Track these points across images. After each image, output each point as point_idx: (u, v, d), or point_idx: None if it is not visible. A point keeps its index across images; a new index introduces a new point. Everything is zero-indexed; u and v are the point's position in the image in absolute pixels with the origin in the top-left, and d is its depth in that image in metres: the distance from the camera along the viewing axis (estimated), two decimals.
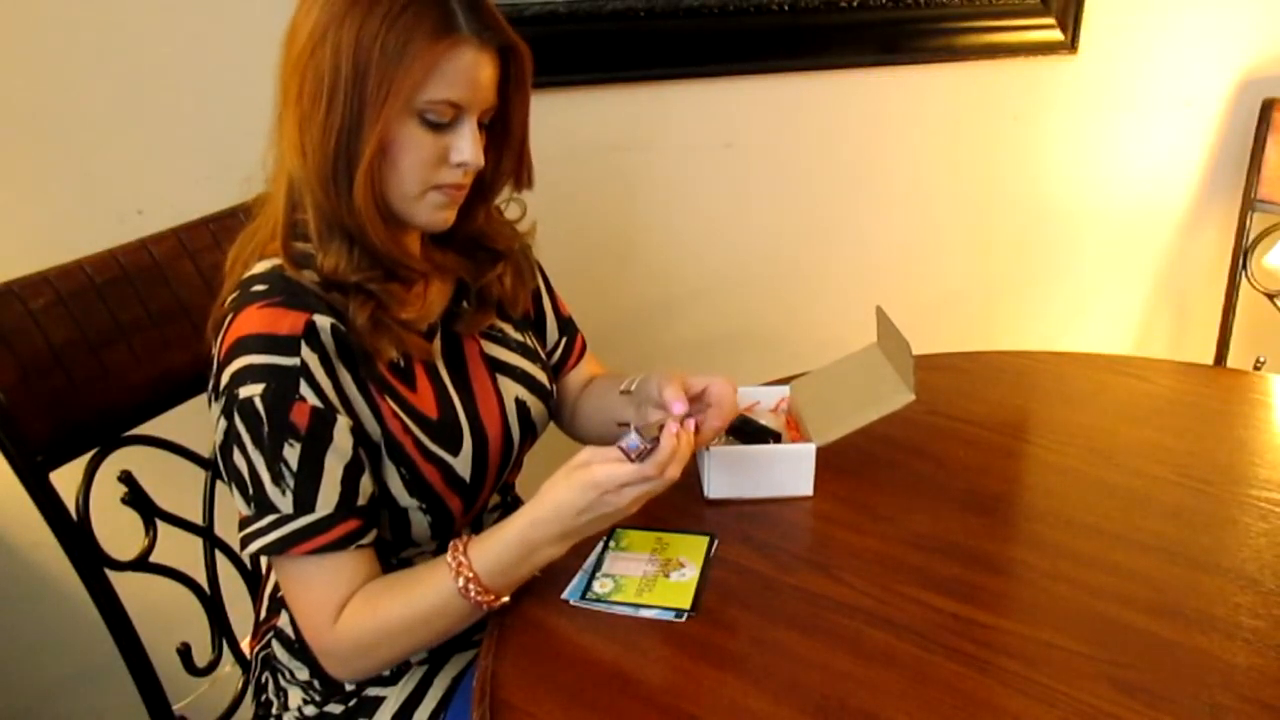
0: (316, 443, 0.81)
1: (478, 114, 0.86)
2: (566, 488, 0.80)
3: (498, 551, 0.82)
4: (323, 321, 0.83)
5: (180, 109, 1.29)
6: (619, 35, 1.48)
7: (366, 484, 0.85)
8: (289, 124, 0.84)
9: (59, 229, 1.26)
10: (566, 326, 1.15)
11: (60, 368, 0.93)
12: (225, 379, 0.81)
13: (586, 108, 1.51)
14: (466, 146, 0.85)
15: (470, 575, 0.82)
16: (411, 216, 0.88)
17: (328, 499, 0.82)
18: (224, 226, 1.12)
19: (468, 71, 0.83)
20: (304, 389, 0.81)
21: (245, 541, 0.83)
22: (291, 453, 0.81)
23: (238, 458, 0.82)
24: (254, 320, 0.82)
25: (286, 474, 0.81)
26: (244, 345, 0.81)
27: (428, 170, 0.85)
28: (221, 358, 0.83)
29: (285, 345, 0.81)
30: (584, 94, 1.50)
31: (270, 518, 0.81)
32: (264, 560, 1.12)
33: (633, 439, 0.80)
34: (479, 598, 0.82)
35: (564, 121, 1.50)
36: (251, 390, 0.80)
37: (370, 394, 0.88)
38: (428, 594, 0.83)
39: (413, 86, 0.81)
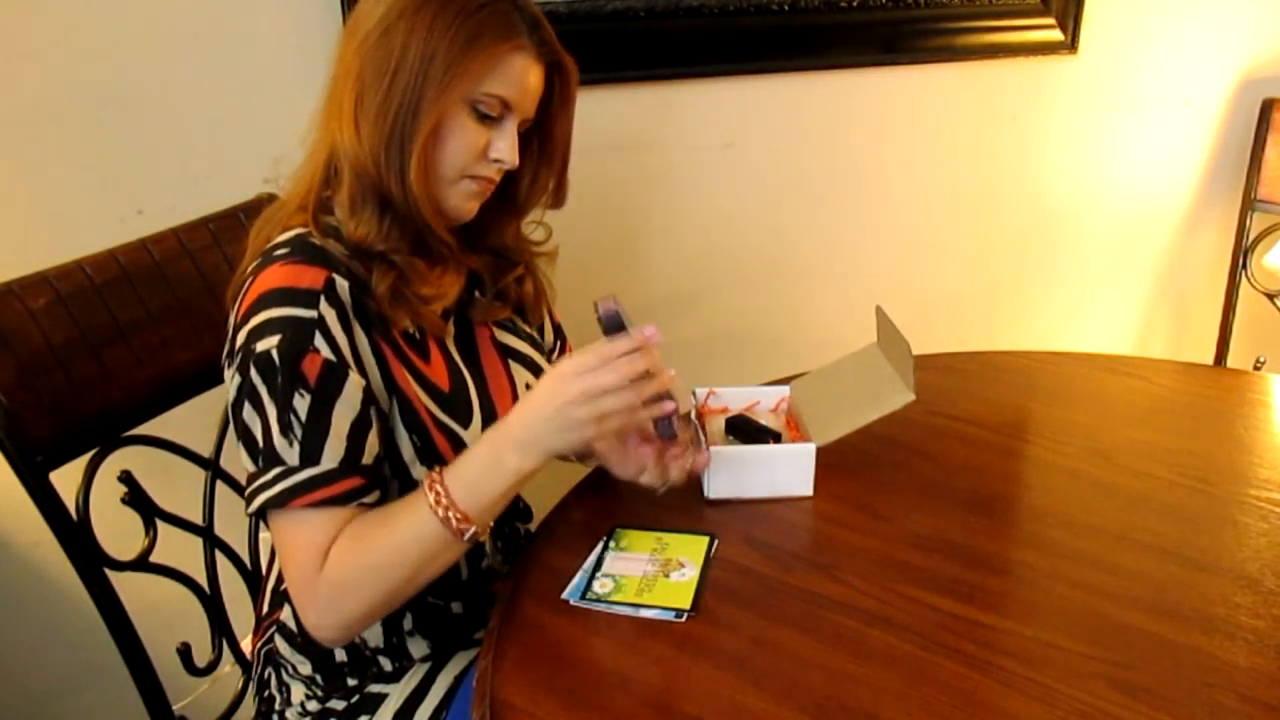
0: (326, 395, 0.83)
1: (519, 119, 0.92)
2: (535, 390, 0.83)
3: (465, 463, 0.84)
4: (342, 282, 0.86)
5: (180, 109, 1.29)
6: (619, 35, 1.48)
7: (373, 443, 0.86)
8: (346, 102, 0.88)
9: (59, 229, 1.26)
10: (558, 333, 1.17)
11: (60, 368, 0.93)
12: (244, 336, 0.83)
13: (587, 108, 1.49)
14: (505, 145, 0.91)
15: (441, 489, 0.82)
16: (443, 200, 0.92)
17: (333, 453, 0.83)
18: (224, 226, 1.12)
19: (522, 75, 0.90)
20: (318, 340, 0.83)
21: (250, 499, 0.83)
22: (301, 403, 0.82)
23: (249, 412, 0.83)
24: (275, 275, 0.85)
25: (295, 425, 0.82)
26: (264, 300, 0.83)
27: (468, 158, 0.90)
28: (240, 317, 0.84)
29: (304, 297, 0.83)
30: (584, 94, 1.48)
31: (276, 470, 0.82)
32: (264, 555, 1.12)
33: (609, 304, 0.82)
34: (455, 520, 0.82)
35: None
36: (268, 343, 0.81)
37: (384, 358, 0.89)
38: (406, 518, 0.83)
39: (475, 77, 0.87)
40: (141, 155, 1.29)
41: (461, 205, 0.93)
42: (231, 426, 0.88)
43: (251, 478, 0.84)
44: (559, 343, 1.16)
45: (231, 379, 0.85)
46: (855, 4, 1.59)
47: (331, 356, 0.83)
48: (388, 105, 0.86)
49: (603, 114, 1.53)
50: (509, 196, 0.99)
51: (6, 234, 1.24)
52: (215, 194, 1.16)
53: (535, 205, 1.02)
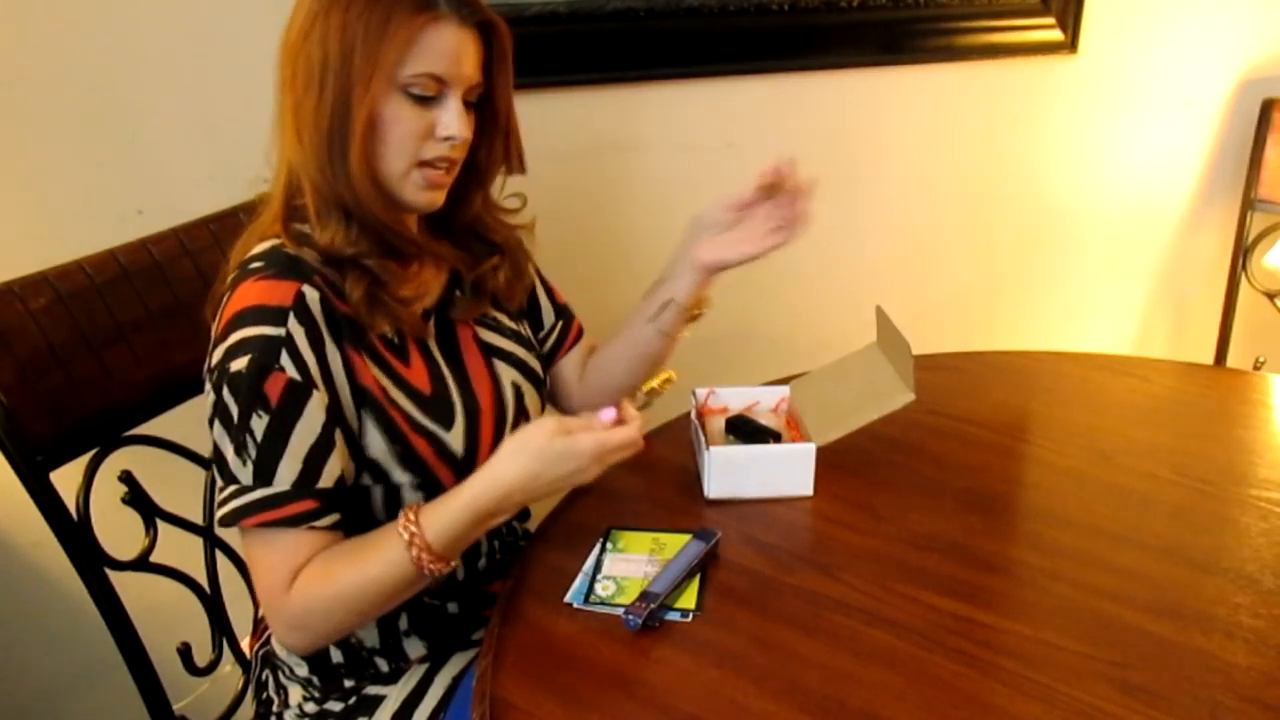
0: (285, 416, 0.83)
1: (462, 90, 0.89)
2: (540, 454, 0.82)
3: (448, 510, 0.83)
4: (311, 294, 0.86)
5: (180, 109, 1.29)
6: (619, 35, 1.48)
7: (334, 467, 0.85)
8: (286, 112, 0.88)
9: (59, 229, 1.26)
10: (562, 312, 1.16)
11: (60, 368, 0.93)
12: (219, 354, 0.83)
13: (586, 108, 1.51)
14: (452, 121, 0.88)
15: (417, 530, 0.82)
16: (400, 193, 0.90)
17: (287, 475, 0.83)
18: (224, 226, 1.12)
19: (447, 46, 0.86)
20: (284, 359, 0.83)
21: (214, 511, 0.85)
22: (259, 424, 0.82)
23: (218, 429, 0.84)
24: (250, 293, 0.85)
25: (250, 445, 0.82)
26: (239, 319, 0.84)
27: (415, 144, 0.88)
28: (218, 334, 0.85)
29: (274, 315, 0.84)
30: (584, 94, 1.50)
31: (231, 488, 0.83)
32: None
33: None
34: (430, 566, 0.83)
35: (564, 121, 1.50)
36: (239, 364, 0.82)
37: (353, 368, 0.89)
38: (379, 562, 0.83)
39: (395, 60, 0.84)
40: (141, 155, 1.29)
41: (421, 196, 0.91)
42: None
43: (217, 493, 0.85)
44: (560, 323, 1.15)
45: (208, 395, 0.85)
46: (855, 4, 1.59)
47: (296, 376, 0.83)
48: (321, 111, 0.85)
49: (603, 114, 1.53)
50: (471, 168, 0.97)
51: (7, 234, 1.24)
52: (215, 194, 1.16)
53: (495, 173, 1.00)
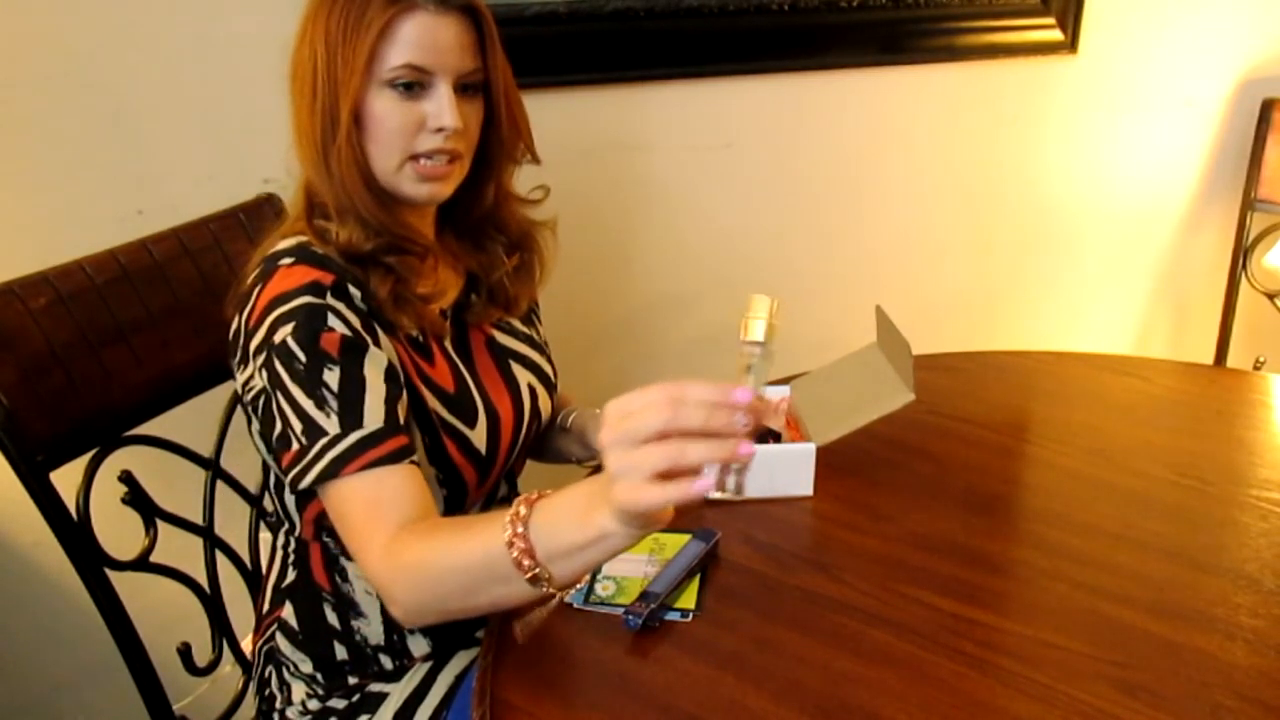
0: (352, 363, 0.82)
1: (451, 78, 0.88)
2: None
3: (557, 504, 0.69)
4: (354, 290, 0.86)
5: (180, 109, 1.29)
6: (619, 35, 1.48)
7: (405, 403, 0.86)
8: (292, 119, 0.89)
9: (59, 229, 1.26)
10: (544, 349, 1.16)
11: (60, 368, 0.93)
12: (261, 334, 0.83)
13: (586, 108, 1.51)
14: (442, 111, 0.87)
15: (525, 511, 0.70)
16: (397, 188, 0.90)
17: (375, 414, 0.81)
18: (224, 226, 1.12)
19: (425, 35, 0.85)
20: (332, 320, 0.83)
21: (298, 479, 0.80)
22: (331, 376, 0.82)
23: (280, 401, 0.82)
24: (284, 279, 0.85)
25: (329, 397, 0.81)
26: (276, 301, 0.84)
27: (406, 139, 0.87)
28: (253, 323, 0.85)
29: (313, 289, 0.84)
30: (584, 94, 1.50)
31: (321, 443, 0.80)
32: (264, 555, 1.12)
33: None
34: (519, 553, 0.69)
35: (564, 121, 1.50)
36: (285, 332, 0.82)
37: (401, 358, 0.90)
38: (481, 531, 0.72)
39: (369, 54, 0.84)
40: (141, 155, 1.29)
41: (419, 189, 0.90)
42: (257, 426, 0.90)
43: (295, 458, 0.81)
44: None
45: (254, 376, 0.85)
46: (855, 4, 1.59)
47: (348, 333, 0.83)
48: (314, 116, 0.86)
49: (604, 114, 1.53)
50: (479, 157, 0.96)
51: (7, 234, 1.24)
52: (215, 194, 1.16)
53: (503, 162, 0.99)
